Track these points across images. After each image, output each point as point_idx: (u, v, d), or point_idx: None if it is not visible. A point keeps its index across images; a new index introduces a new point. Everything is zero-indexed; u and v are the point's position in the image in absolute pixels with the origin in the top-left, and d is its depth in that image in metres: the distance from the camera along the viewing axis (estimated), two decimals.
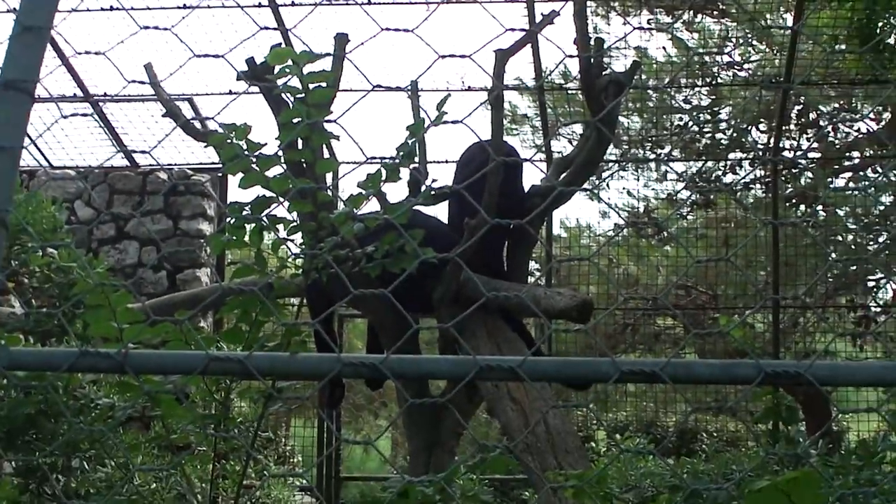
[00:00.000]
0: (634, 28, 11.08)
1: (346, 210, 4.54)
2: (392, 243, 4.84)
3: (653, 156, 16.49)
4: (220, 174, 14.28)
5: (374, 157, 3.06)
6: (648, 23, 15.94)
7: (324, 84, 4.53)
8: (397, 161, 4.48)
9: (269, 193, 4.48)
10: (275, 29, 11.72)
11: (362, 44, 2.53)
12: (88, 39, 12.97)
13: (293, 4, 12.67)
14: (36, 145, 13.83)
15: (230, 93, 13.50)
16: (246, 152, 4.36)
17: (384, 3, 12.32)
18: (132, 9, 12.67)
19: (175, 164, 14.19)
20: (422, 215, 6.41)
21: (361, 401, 18.82)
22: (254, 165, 4.39)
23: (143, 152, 3.15)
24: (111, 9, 12.56)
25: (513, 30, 2.62)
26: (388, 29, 2.58)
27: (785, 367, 2.37)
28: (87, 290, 4.45)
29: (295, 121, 4.63)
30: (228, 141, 4.35)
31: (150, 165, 14.21)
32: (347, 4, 11.22)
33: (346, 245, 4.83)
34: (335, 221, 4.61)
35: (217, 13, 12.83)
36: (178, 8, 12.71)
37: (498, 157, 5.99)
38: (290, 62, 4.42)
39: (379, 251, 4.87)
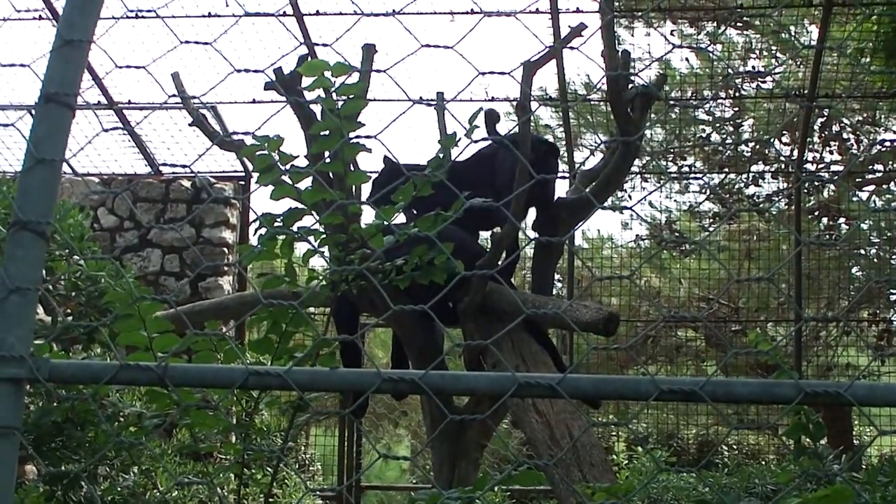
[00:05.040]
0: (673, 47, 11.12)
1: (377, 222, 4.55)
2: (422, 256, 4.84)
3: (675, 167, 16.47)
4: (242, 182, 14.32)
5: (413, 171, 3.06)
6: (672, 34, 15.93)
7: (353, 95, 4.54)
8: (428, 174, 4.49)
9: (298, 205, 4.49)
10: (303, 44, 11.76)
11: (402, 59, 2.54)
12: (112, 46, 13.02)
13: (318, 14, 12.71)
14: None
15: (254, 101, 13.55)
16: (278, 164, 4.38)
17: (406, 14, 12.35)
18: (156, 15, 12.71)
19: (198, 172, 14.23)
20: (447, 226, 6.43)
21: (382, 410, 18.81)
22: (285, 177, 4.40)
23: (183, 167, 3.16)
24: (136, 15, 12.58)
25: (552, 47, 2.62)
26: (427, 45, 2.59)
27: (825, 387, 2.37)
28: (119, 298, 4.46)
29: (325, 133, 4.64)
30: (261, 152, 4.37)
31: (174, 173, 14.26)
32: (372, 15, 11.23)
33: (373, 257, 4.84)
34: (365, 233, 4.62)
35: (241, 21, 12.88)
36: (203, 17, 12.76)
37: (527, 166, 5.99)
38: (321, 74, 4.42)
39: (409, 264, 4.87)
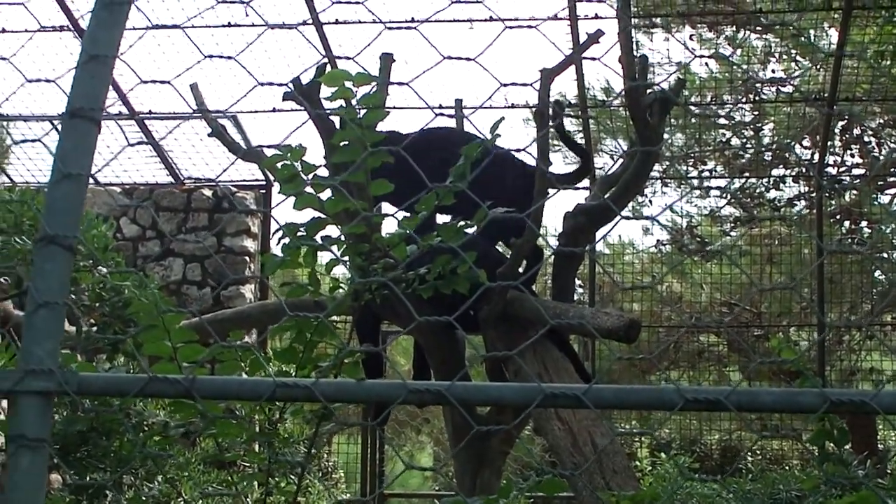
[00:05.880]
0: (697, 57, 11.12)
1: (400, 232, 4.56)
2: (445, 265, 4.85)
3: (695, 172, 16.45)
4: (263, 191, 14.39)
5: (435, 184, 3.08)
6: (691, 38, 15.90)
7: (373, 105, 4.55)
8: (450, 183, 4.49)
9: (320, 214, 4.50)
10: (324, 57, 11.78)
11: (425, 72, 2.55)
12: (132, 56, 13.06)
13: (337, 23, 12.75)
14: None
15: (273, 110, 13.57)
16: (300, 174, 4.39)
17: (426, 22, 12.37)
18: (178, 27, 12.76)
19: (219, 181, 14.28)
20: (469, 234, 6.43)
21: (404, 417, 18.82)
22: (308, 187, 4.41)
23: (208, 180, 3.18)
24: (156, 27, 12.63)
25: (570, 55, 2.63)
26: (450, 57, 2.60)
27: (850, 396, 2.37)
28: (143, 309, 4.48)
29: (346, 143, 4.65)
30: (283, 163, 4.38)
31: (195, 183, 14.31)
32: (393, 27, 11.27)
33: (396, 267, 4.84)
34: (388, 243, 4.63)
35: (261, 30, 12.93)
36: (223, 26, 12.81)
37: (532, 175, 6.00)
38: (342, 84, 4.43)
39: (432, 273, 4.88)
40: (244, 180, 14.44)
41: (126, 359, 6.45)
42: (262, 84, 2.68)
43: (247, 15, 12.47)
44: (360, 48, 2.78)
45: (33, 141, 2.67)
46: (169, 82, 2.70)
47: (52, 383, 2.48)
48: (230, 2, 2.60)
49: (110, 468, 5.76)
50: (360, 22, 12.69)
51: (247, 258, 13.74)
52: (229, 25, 12.84)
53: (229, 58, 2.67)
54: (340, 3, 2.59)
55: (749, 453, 15.71)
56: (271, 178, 14.00)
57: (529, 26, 2.89)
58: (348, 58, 2.82)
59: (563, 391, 2.42)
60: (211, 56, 2.71)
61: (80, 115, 2.65)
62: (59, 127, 2.69)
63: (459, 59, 2.59)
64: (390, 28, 2.60)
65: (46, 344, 2.52)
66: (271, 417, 4.97)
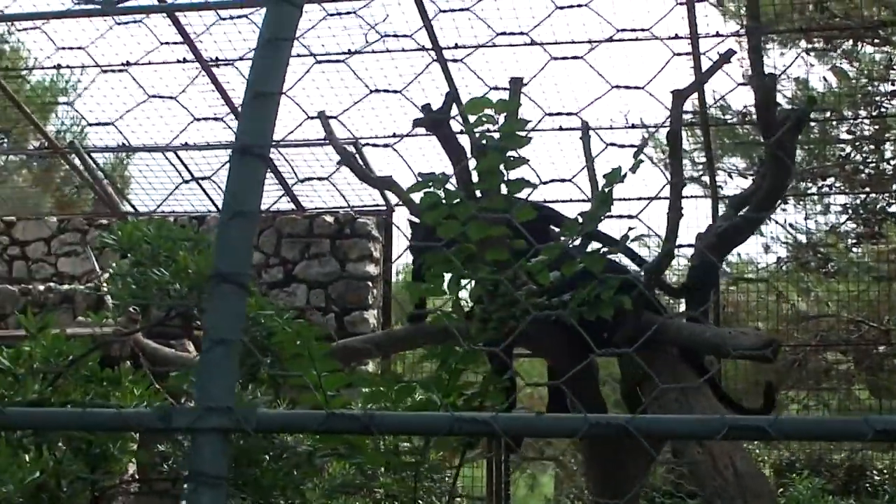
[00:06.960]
0: (847, 77, 10.98)
1: (544, 259, 4.55)
2: (591, 291, 4.82)
3: (815, 188, 16.25)
4: (385, 217, 14.49)
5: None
6: (808, 52, 15.71)
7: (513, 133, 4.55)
8: (595, 209, 4.49)
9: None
10: (450, 91, 11.83)
11: (594, 101, 2.53)
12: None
13: (456, 47, 12.76)
14: (204, 191, 14.11)
15: (393, 135, 13.66)
16: (443, 201, 4.41)
17: (545, 43, 12.35)
18: (333, 60, 12.89)
19: (341, 208, 14.43)
20: (611, 260, 6.40)
21: (526, 439, 18.75)
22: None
23: (335, 208, 3.20)
24: (320, 60, 12.70)
25: (701, 76, 2.59)
26: (618, 87, 2.57)
27: None
28: (287, 338, 4.53)
29: (486, 171, 4.66)
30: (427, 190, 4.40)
31: (317, 209, 14.49)
32: (511, 45, 11.31)
33: (540, 293, 4.83)
34: (532, 269, 4.62)
35: (381, 57, 13.06)
36: (343, 54, 12.91)
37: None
38: (484, 111, 4.44)
39: (576, 299, 4.86)
40: (365, 206, 14.56)
41: (263, 387, 6.48)
42: (423, 108, 2.68)
43: (367, 42, 12.56)
44: (482, 72, 2.78)
45: (204, 178, 2.70)
46: (336, 117, 2.72)
47: (230, 421, 2.49)
48: (396, 36, 2.59)
49: (252, 497, 5.79)
50: (478, 46, 12.68)
51: (369, 283, 13.85)
52: (349, 53, 12.94)
53: (396, 91, 2.68)
54: (505, 34, 2.59)
55: (875, 472, 15.46)
56: (392, 203, 14.12)
57: (688, 53, 2.85)
58: (500, 87, 2.81)
59: (746, 423, 2.38)
60: (377, 90, 2.72)
61: (249, 152, 2.66)
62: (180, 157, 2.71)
63: (628, 87, 2.57)
64: (556, 59, 2.58)
65: (222, 381, 2.53)
66: (415, 445, 4.97)
